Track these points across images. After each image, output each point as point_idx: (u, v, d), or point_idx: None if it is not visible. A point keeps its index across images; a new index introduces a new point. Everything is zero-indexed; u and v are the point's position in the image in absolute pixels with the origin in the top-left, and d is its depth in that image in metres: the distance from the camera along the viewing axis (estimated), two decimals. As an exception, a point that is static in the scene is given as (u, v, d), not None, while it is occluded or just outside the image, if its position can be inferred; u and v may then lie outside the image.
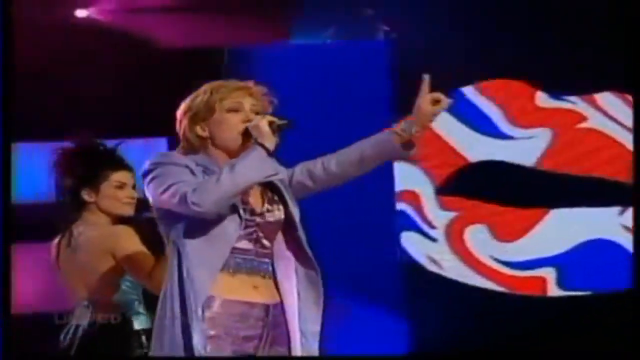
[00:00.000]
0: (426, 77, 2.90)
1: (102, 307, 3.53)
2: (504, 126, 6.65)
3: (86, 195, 3.62)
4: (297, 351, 2.85)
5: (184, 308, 2.69)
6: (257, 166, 2.75)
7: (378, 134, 2.95)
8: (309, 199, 6.30)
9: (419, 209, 6.62)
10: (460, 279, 6.56)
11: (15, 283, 5.43)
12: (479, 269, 6.59)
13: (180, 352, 2.68)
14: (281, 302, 2.87)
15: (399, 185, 6.60)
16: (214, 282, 2.72)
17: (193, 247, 2.73)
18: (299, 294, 2.86)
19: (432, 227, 6.62)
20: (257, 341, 2.79)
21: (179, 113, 2.93)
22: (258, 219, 2.84)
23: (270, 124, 2.80)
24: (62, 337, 3.55)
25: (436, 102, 2.92)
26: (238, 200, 2.78)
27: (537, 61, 6.47)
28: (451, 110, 6.59)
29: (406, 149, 2.92)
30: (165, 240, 2.84)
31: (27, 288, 5.89)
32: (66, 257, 3.60)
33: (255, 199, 2.86)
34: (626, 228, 6.37)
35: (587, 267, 6.47)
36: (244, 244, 2.81)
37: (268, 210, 2.88)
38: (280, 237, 2.90)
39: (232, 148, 2.86)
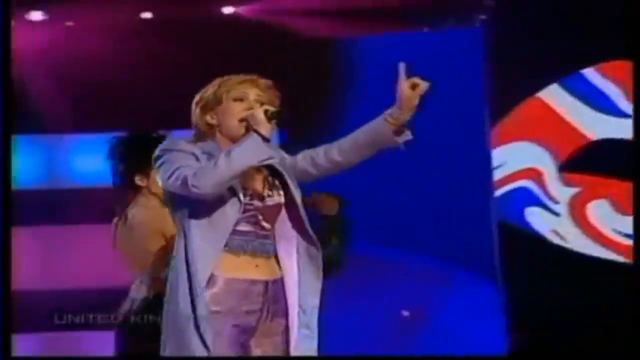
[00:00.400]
0: (401, 65, 3.07)
1: (154, 282, 3.70)
2: (624, 105, 6.93)
3: (139, 180, 3.84)
4: (294, 324, 3.03)
5: (190, 285, 2.91)
6: (251, 151, 2.91)
7: (372, 122, 3.08)
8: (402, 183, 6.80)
9: (542, 185, 7.05)
10: (583, 251, 6.91)
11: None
12: (602, 241, 6.94)
13: (187, 326, 2.90)
14: (282, 277, 3.05)
15: (522, 163, 7.04)
16: (217, 262, 2.93)
17: (196, 229, 2.94)
18: (299, 270, 3.05)
19: (556, 202, 7.02)
20: (259, 314, 2.99)
21: (193, 104, 3.14)
22: (258, 203, 3.02)
23: (266, 112, 2.96)
24: (120, 309, 3.83)
25: (415, 86, 3.06)
26: (238, 185, 2.96)
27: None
28: (572, 90, 7.01)
29: (397, 135, 3.05)
30: (174, 221, 3.07)
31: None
32: (122, 237, 3.84)
33: (257, 184, 3.04)
34: None
35: None
36: (244, 227, 2.99)
37: (268, 195, 3.05)
38: (284, 217, 3.08)
39: (235, 135, 3.02)
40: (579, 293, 6.62)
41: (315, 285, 3.05)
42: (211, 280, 2.91)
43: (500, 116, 7.03)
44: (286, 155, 3.13)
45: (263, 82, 3.11)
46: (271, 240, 3.05)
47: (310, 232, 3.05)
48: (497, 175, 7.05)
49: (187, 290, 2.91)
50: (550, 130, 7.06)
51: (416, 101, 3.04)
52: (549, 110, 7.01)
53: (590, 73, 6.99)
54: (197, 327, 2.89)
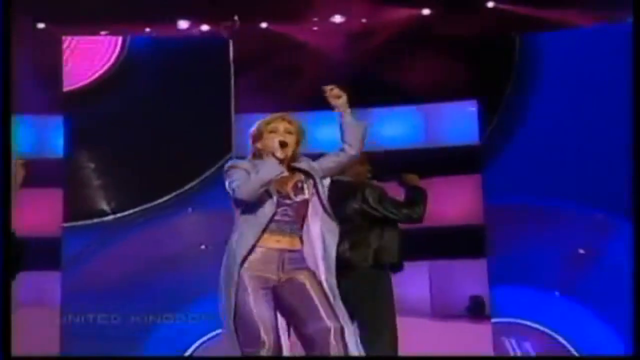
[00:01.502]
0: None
1: None
2: None
3: None
4: (319, 269, 4.37)
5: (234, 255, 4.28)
6: (269, 169, 4.21)
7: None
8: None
9: None
10: None
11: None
12: None
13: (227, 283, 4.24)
14: (300, 249, 4.40)
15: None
16: (257, 239, 4.25)
17: (245, 219, 4.29)
18: (323, 237, 4.39)
19: None
20: (275, 267, 4.29)
21: (249, 136, 4.52)
22: (287, 201, 4.34)
23: (279, 142, 4.30)
24: None
25: (337, 97, 4.46)
26: (274, 190, 4.25)
27: None
28: None
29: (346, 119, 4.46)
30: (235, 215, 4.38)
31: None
32: None
33: (287, 189, 4.37)
34: None
35: None
36: (278, 216, 4.30)
37: (295, 195, 4.36)
38: (313, 205, 4.41)
39: (274, 155, 4.29)
40: None
41: (333, 245, 4.40)
42: (252, 250, 4.26)
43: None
44: (313, 163, 4.47)
45: (290, 118, 4.47)
46: (297, 225, 4.38)
47: (329, 212, 4.42)
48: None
49: (231, 260, 4.27)
50: None
51: (336, 107, 4.50)
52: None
53: None
54: (231, 279, 4.23)
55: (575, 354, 7.94)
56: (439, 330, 10.29)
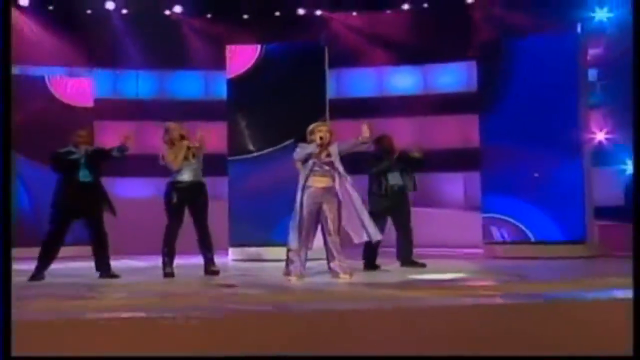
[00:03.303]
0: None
1: None
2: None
3: None
4: (353, 196, 8.75)
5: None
6: (312, 148, 8.62)
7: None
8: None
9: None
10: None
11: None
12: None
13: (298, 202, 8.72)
14: (333, 185, 8.61)
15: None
16: (308, 181, 8.67)
17: (303, 171, 8.67)
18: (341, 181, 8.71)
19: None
20: (320, 198, 8.56)
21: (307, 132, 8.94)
22: (317, 160, 8.61)
23: (319, 138, 8.73)
24: None
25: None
26: (314, 157, 8.58)
27: None
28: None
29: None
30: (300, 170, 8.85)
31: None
32: None
33: (321, 155, 8.62)
34: None
35: None
36: (316, 167, 8.61)
37: (325, 156, 8.62)
38: (337, 165, 8.67)
39: (316, 141, 8.67)
40: None
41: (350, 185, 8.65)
42: (307, 186, 8.69)
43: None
44: (337, 145, 8.64)
45: (326, 124, 9.00)
46: (329, 172, 8.62)
47: (341, 171, 8.67)
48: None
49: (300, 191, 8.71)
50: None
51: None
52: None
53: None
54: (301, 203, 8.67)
55: (531, 237, 12.25)
56: (468, 218, 14.96)
